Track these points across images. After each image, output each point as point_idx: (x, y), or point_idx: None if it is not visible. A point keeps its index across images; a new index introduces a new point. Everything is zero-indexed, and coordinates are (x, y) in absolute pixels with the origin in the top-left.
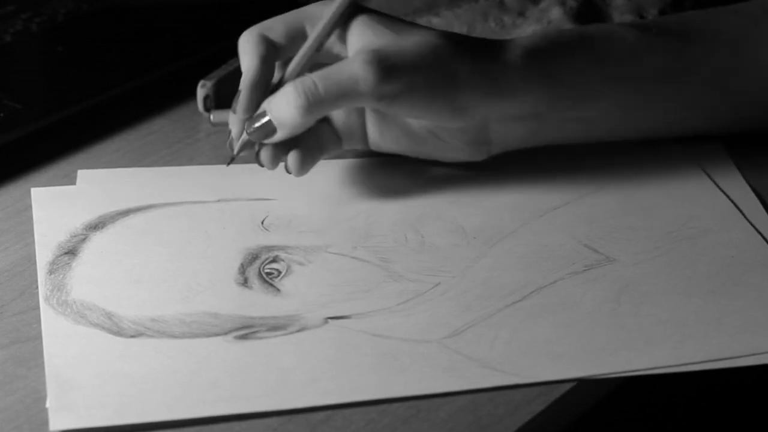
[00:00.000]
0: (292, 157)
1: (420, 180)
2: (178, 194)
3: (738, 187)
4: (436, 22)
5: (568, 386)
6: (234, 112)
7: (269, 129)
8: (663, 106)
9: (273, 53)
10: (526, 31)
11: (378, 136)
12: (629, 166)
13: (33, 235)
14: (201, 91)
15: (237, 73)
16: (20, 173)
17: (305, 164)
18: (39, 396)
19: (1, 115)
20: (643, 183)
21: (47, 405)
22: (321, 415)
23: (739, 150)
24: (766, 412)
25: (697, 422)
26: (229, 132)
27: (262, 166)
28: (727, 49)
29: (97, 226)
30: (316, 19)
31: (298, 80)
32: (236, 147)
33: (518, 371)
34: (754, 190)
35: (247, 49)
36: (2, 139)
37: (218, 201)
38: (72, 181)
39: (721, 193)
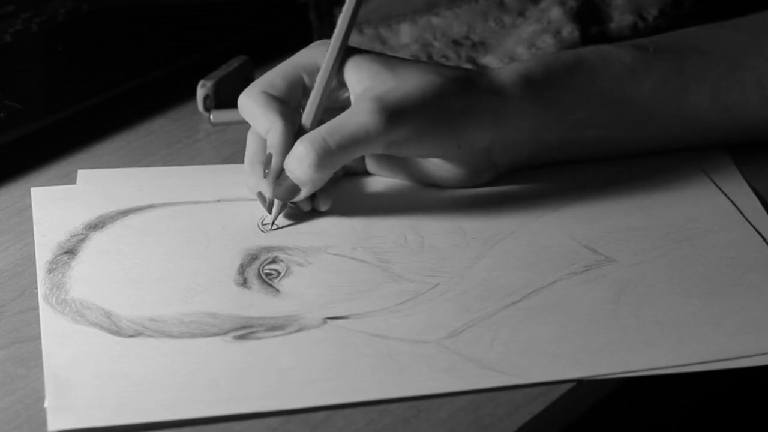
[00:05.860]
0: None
1: None
2: (178, 194)
3: (738, 187)
4: (436, 22)
5: (567, 386)
6: (265, 176)
7: (294, 188)
8: (665, 123)
9: (287, 109)
10: (526, 30)
11: (377, 166)
12: (629, 166)
13: (33, 235)
14: (201, 91)
15: (237, 73)
16: (20, 173)
17: (328, 201)
18: (39, 396)
19: (1, 115)
20: (642, 183)
21: (45, 405)
22: (321, 415)
23: (740, 151)
24: (765, 413)
25: (696, 422)
26: (260, 194)
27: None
28: (726, 64)
29: (96, 225)
30: (311, 67)
31: (308, 138)
32: (274, 211)
33: (517, 372)
34: (754, 191)
35: (260, 112)
36: (2, 139)
37: (218, 201)
38: (72, 181)
39: (721, 194)
